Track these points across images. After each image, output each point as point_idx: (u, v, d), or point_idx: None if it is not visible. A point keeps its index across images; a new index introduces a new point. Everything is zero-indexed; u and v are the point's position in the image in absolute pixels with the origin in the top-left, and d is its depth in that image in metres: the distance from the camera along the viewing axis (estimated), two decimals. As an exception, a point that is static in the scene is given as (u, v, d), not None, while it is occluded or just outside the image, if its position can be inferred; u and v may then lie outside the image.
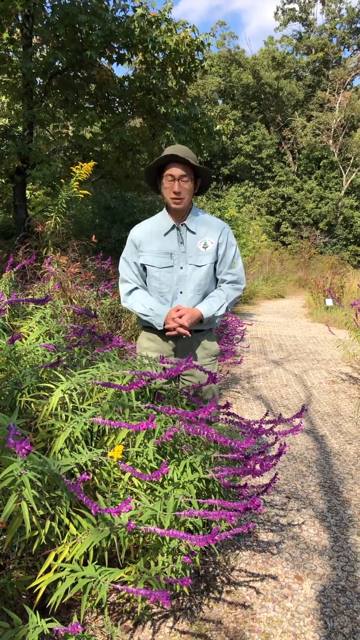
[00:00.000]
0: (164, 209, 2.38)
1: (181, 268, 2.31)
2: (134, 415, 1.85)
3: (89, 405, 1.89)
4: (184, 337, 2.29)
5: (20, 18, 7.82)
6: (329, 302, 11.06)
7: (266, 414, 2.41)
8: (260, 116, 28.93)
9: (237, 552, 2.50)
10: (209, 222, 2.36)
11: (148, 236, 2.34)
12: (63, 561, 1.62)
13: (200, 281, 2.32)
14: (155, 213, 2.42)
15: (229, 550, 2.50)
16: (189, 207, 2.33)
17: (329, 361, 6.86)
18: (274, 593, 2.21)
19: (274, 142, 28.12)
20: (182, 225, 2.31)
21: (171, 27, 7.52)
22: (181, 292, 2.33)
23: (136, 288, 2.38)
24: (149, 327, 2.41)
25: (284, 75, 28.40)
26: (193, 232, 2.32)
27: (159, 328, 2.27)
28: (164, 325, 2.25)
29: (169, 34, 7.44)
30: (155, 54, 7.74)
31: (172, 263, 2.31)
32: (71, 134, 9.23)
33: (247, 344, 7.82)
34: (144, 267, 2.36)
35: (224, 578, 2.30)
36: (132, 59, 8.18)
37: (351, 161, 26.35)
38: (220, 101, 29.70)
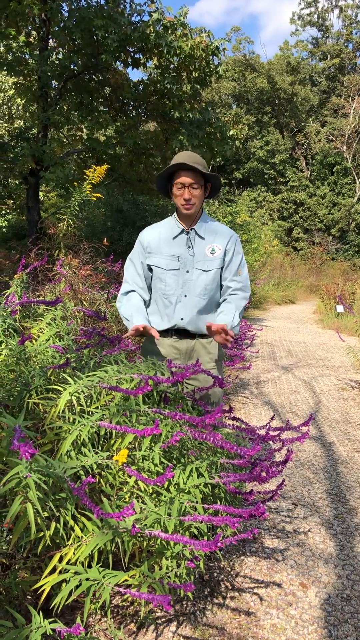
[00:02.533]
0: (175, 213, 2.40)
1: (187, 272, 2.33)
2: (141, 419, 1.86)
3: (96, 408, 1.89)
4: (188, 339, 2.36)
5: (37, 21, 7.89)
6: (340, 308, 11.02)
7: (272, 418, 2.41)
8: (274, 121, 28.91)
9: (242, 558, 2.49)
10: (218, 229, 2.39)
11: (157, 238, 2.36)
12: (68, 563, 1.63)
13: (207, 286, 2.34)
14: (167, 217, 2.44)
15: (234, 556, 2.50)
16: (199, 213, 2.36)
17: (338, 368, 6.83)
18: (278, 600, 2.21)
19: (287, 148, 28.08)
20: (191, 230, 2.34)
21: (186, 32, 7.54)
22: (185, 296, 2.34)
23: (133, 291, 2.39)
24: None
25: (298, 81, 28.37)
26: (202, 238, 2.34)
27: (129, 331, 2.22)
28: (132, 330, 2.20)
29: (184, 38, 7.47)
30: (170, 59, 7.76)
31: (179, 266, 2.33)
32: (85, 137, 9.29)
33: (256, 349, 7.81)
34: (150, 268, 2.38)
35: (228, 584, 2.29)
36: (147, 64, 8.22)
37: (365, 167, 26.27)
38: (234, 105, 29.73)
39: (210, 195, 2.41)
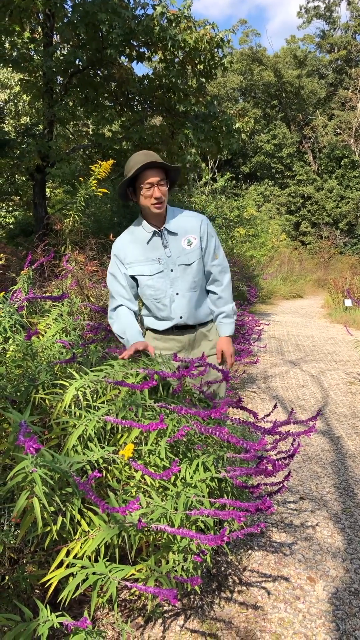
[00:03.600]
0: (139, 217, 2.37)
1: (172, 271, 2.31)
2: (147, 414, 1.86)
3: (102, 403, 1.90)
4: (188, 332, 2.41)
5: (41, 17, 7.87)
6: (348, 302, 10.97)
7: (274, 406, 2.40)
8: (281, 114, 28.76)
9: (249, 552, 2.49)
10: (187, 219, 2.37)
11: (130, 247, 2.33)
12: (74, 557, 1.63)
13: (194, 278, 2.35)
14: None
15: (242, 550, 2.50)
16: (165, 211, 2.33)
17: (346, 362, 6.80)
18: (286, 594, 2.21)
19: (294, 141, 27.93)
20: (163, 229, 2.31)
21: (191, 25, 7.50)
22: (177, 294, 2.33)
23: (121, 305, 2.35)
24: (153, 329, 2.44)
25: (305, 74, 28.18)
26: (175, 234, 2.32)
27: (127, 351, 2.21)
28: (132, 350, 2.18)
29: (188, 31, 7.43)
30: (175, 52, 7.72)
31: (161, 268, 2.30)
32: (91, 132, 9.28)
33: (264, 344, 7.79)
34: (134, 278, 2.35)
35: (235, 578, 2.29)
36: (152, 57, 8.19)
37: (373, 160, 26.08)
38: (240, 99, 29.59)
39: (170, 188, 2.34)
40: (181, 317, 2.34)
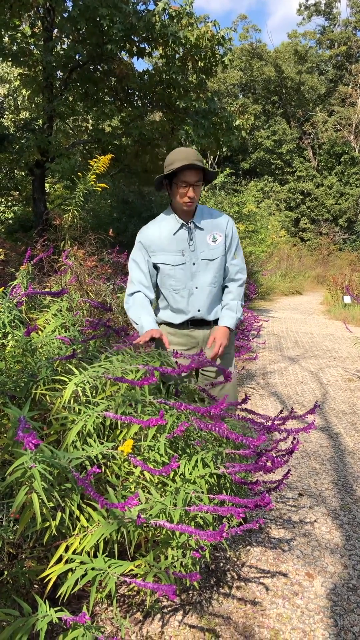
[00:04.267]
0: (169, 209, 2.42)
1: (194, 264, 2.37)
2: (146, 410, 1.86)
3: (102, 398, 1.90)
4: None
5: (41, 11, 7.84)
6: (347, 299, 10.97)
7: (281, 411, 2.40)
8: (281, 111, 28.69)
9: (248, 548, 2.50)
10: (214, 216, 2.44)
11: (157, 236, 2.37)
12: (73, 552, 1.63)
13: (215, 274, 2.41)
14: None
15: (240, 546, 2.50)
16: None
17: (345, 359, 6.81)
18: (284, 590, 2.21)
19: (294, 137, 27.87)
20: (190, 223, 2.36)
21: (192, 22, 7.47)
22: (197, 287, 2.38)
23: (138, 292, 2.39)
24: (168, 323, 2.46)
25: (306, 70, 28.10)
26: (201, 229, 2.38)
27: (140, 337, 2.24)
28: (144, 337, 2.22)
29: (189, 28, 7.40)
30: (176, 48, 7.70)
31: (184, 260, 2.36)
32: (91, 128, 9.25)
33: (263, 340, 7.79)
34: (156, 267, 2.40)
35: (234, 573, 2.30)
36: (152, 53, 8.16)
37: (372, 157, 26.04)
38: (240, 95, 29.50)
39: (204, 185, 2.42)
40: (199, 311, 2.40)
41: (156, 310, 2.54)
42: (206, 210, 2.43)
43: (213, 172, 2.33)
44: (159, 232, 2.38)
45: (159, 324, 2.52)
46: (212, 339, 2.38)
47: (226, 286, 2.52)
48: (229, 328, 2.42)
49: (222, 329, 2.42)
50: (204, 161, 2.26)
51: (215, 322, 2.47)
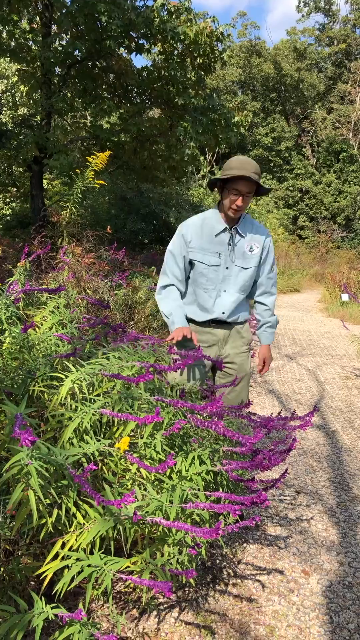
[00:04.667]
0: (216, 209, 2.45)
1: (227, 268, 2.42)
2: (143, 407, 1.86)
3: (98, 395, 1.90)
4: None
5: (39, 7, 7.81)
6: (345, 297, 10.97)
7: (279, 413, 2.41)
8: (280, 108, 28.63)
9: (244, 545, 2.50)
10: (257, 227, 2.49)
11: (199, 234, 2.41)
12: (70, 549, 1.64)
13: (245, 282, 2.47)
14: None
15: (237, 543, 2.51)
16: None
17: (343, 357, 6.82)
18: (280, 587, 2.22)
19: (293, 135, 27.83)
20: (233, 228, 2.41)
21: (191, 18, 7.46)
22: (225, 291, 2.45)
23: (172, 285, 2.44)
24: (191, 319, 2.51)
25: (305, 67, 28.04)
26: (242, 236, 2.42)
27: (172, 333, 2.32)
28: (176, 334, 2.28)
29: (188, 24, 7.39)
30: (175, 45, 7.68)
31: (219, 262, 2.41)
32: (89, 124, 9.23)
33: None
34: (191, 263, 2.44)
35: (230, 571, 2.30)
36: (151, 50, 8.14)
37: (371, 155, 26.02)
38: (239, 92, 29.45)
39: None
40: (223, 313, 2.45)
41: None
42: (249, 220, 2.48)
43: (267, 188, 2.38)
44: (202, 229, 2.41)
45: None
46: (261, 361, 2.67)
47: (263, 303, 2.63)
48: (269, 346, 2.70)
49: (267, 348, 2.69)
50: (259, 175, 2.27)
51: (235, 323, 2.53)
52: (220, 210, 2.42)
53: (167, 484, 1.79)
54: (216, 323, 2.49)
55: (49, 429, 1.90)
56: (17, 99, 12.50)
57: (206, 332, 2.50)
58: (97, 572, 1.53)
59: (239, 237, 2.42)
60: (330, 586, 2.23)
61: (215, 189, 2.44)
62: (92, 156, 5.11)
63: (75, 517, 1.70)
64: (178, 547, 1.75)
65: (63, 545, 1.66)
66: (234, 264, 2.42)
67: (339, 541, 2.57)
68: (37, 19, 8.02)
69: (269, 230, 2.57)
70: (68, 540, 1.65)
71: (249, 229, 2.45)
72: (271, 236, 2.55)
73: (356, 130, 26.83)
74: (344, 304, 11.08)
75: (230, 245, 2.40)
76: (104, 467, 1.89)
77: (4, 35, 7.81)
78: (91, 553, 1.64)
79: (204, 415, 1.91)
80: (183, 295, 2.51)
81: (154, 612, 2.00)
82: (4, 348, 2.39)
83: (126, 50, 8.22)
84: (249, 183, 2.26)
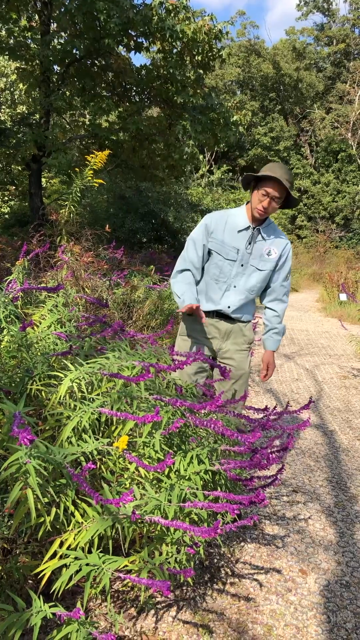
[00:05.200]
0: (244, 206, 2.50)
1: (242, 265, 2.47)
2: (142, 406, 1.86)
3: (97, 394, 1.89)
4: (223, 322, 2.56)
5: (38, 5, 7.79)
6: (343, 297, 10.98)
7: (275, 407, 2.41)
8: (279, 107, 28.63)
9: (242, 544, 2.50)
10: (278, 233, 2.53)
11: (222, 226, 2.47)
12: (68, 548, 1.63)
13: (257, 283, 2.52)
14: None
15: (234, 543, 2.51)
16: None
17: (341, 356, 6.82)
18: (277, 586, 2.22)
19: (291, 134, 27.84)
20: (256, 228, 2.45)
21: (189, 15, 7.45)
22: (235, 287, 2.49)
23: (188, 270, 2.50)
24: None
25: (304, 67, 28.04)
26: (263, 238, 2.47)
27: (180, 309, 2.37)
28: (185, 307, 2.33)
29: (187, 22, 7.38)
30: (173, 43, 7.67)
31: (236, 258, 2.46)
32: (88, 123, 9.22)
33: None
34: (210, 252, 2.50)
35: (228, 570, 2.31)
36: (150, 48, 8.13)
37: (370, 154, 26.04)
38: (238, 92, 29.42)
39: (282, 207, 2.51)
40: (229, 307, 2.49)
41: None
42: (273, 227, 2.52)
43: (295, 199, 2.46)
44: (226, 223, 2.47)
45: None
46: (265, 366, 2.68)
47: (273, 309, 2.66)
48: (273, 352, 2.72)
49: (271, 355, 2.70)
50: (291, 184, 2.35)
51: (239, 320, 2.56)
52: (247, 209, 2.47)
53: (165, 483, 1.79)
54: (220, 316, 2.53)
55: (47, 428, 1.90)
56: (16, 97, 12.47)
57: (210, 324, 2.53)
58: (96, 571, 1.53)
59: (260, 238, 2.47)
60: (328, 585, 2.24)
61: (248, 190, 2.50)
62: (90, 155, 5.11)
63: (74, 516, 1.70)
64: (176, 546, 1.75)
65: (61, 544, 1.66)
66: (250, 264, 2.47)
67: (336, 541, 2.57)
68: (36, 17, 8.00)
69: (288, 239, 2.60)
70: (66, 539, 1.65)
71: (272, 233, 2.50)
72: (290, 244, 2.59)
73: (355, 130, 26.83)
74: (342, 303, 11.10)
75: (250, 244, 2.45)
76: (102, 466, 1.89)
77: (3, 33, 7.79)
78: (89, 552, 1.64)
79: (203, 413, 1.92)
80: (197, 284, 2.55)
81: (152, 611, 2.00)
82: (2, 347, 2.38)
83: (125, 49, 8.21)
84: (278, 187, 2.32)
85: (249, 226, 2.45)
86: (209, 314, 2.53)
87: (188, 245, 2.53)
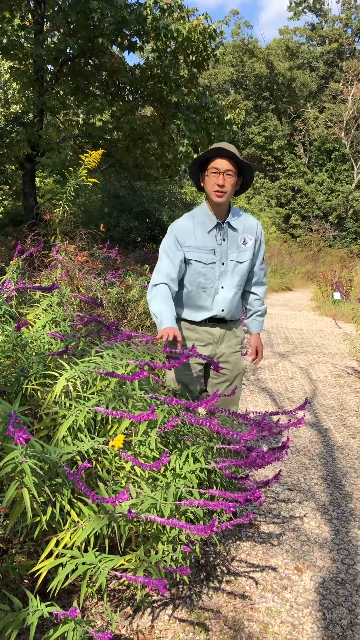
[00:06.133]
0: (204, 204, 2.40)
1: (223, 264, 2.38)
2: (137, 405, 1.86)
3: (93, 393, 1.89)
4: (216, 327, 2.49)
5: (31, 3, 7.77)
6: (337, 295, 11.01)
7: (274, 413, 2.42)
8: (272, 107, 28.67)
9: (238, 542, 2.51)
10: (247, 219, 2.43)
11: (192, 232, 2.35)
12: (64, 547, 1.63)
13: (242, 276, 2.45)
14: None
15: (230, 541, 2.52)
16: (229, 205, 2.38)
17: (335, 355, 6.85)
18: (273, 584, 2.23)
19: (285, 134, 27.89)
20: (225, 223, 2.35)
21: (183, 15, 7.45)
22: (222, 287, 2.41)
23: (163, 283, 2.30)
24: (188, 320, 2.48)
25: (297, 66, 28.09)
26: (235, 229, 2.37)
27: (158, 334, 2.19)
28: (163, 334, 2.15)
29: (181, 21, 7.39)
30: (167, 42, 7.67)
31: (215, 259, 2.36)
32: (81, 122, 9.20)
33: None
34: (188, 262, 2.37)
35: (224, 568, 2.31)
36: (144, 47, 8.13)
37: (363, 154, 26.14)
38: (232, 91, 29.44)
39: (239, 191, 2.40)
40: (223, 310, 2.42)
41: (175, 304, 2.50)
42: (238, 212, 2.43)
43: (247, 165, 2.29)
44: (193, 228, 2.35)
45: (178, 319, 2.50)
46: (254, 349, 2.66)
47: (253, 292, 2.60)
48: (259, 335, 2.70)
49: (258, 337, 2.69)
50: (236, 155, 2.23)
51: (232, 322, 2.51)
52: (208, 205, 2.36)
53: (161, 481, 1.79)
54: (213, 321, 2.45)
55: (42, 427, 1.90)
56: (9, 96, 12.43)
57: (203, 331, 2.46)
58: (92, 570, 1.53)
59: (231, 231, 2.37)
60: (323, 583, 2.25)
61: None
62: (84, 154, 5.10)
63: (70, 515, 1.70)
64: (172, 544, 1.76)
65: (57, 543, 1.66)
66: (229, 259, 2.38)
67: (331, 538, 2.58)
68: (30, 16, 7.98)
69: (257, 219, 2.50)
70: (62, 538, 1.65)
71: (240, 221, 2.40)
72: (261, 225, 2.49)
73: (348, 130, 26.92)
74: (336, 302, 11.13)
75: (224, 240, 2.35)
76: (98, 465, 1.89)
77: (-4, 32, 7.76)
78: (85, 551, 1.64)
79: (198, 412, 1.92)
80: (177, 296, 2.43)
81: (148, 610, 2.01)
82: (-3, 346, 2.38)
83: (119, 48, 8.21)
84: (225, 159, 2.21)
85: (217, 222, 2.33)
86: (202, 322, 2.45)
87: (162, 256, 2.36)
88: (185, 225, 2.36)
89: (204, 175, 2.31)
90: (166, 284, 2.31)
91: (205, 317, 2.43)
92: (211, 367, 2.54)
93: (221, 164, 2.22)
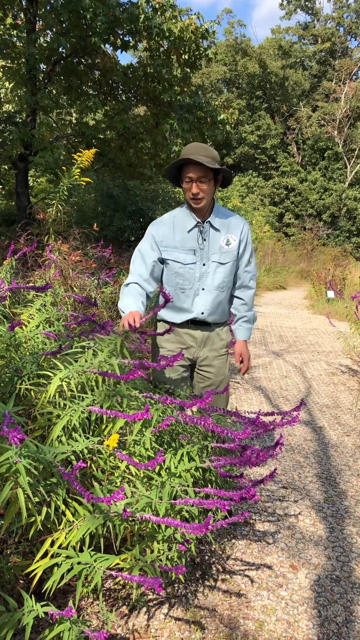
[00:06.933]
0: (185, 205, 2.34)
1: (203, 265, 2.31)
2: (132, 404, 1.86)
3: (87, 393, 1.89)
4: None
5: (24, 3, 7.75)
6: (331, 294, 11.04)
7: (270, 413, 2.42)
8: (265, 106, 28.69)
9: (233, 541, 2.51)
10: (231, 219, 2.36)
11: (171, 232, 2.29)
12: (59, 547, 1.63)
13: (224, 278, 2.35)
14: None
15: (225, 539, 2.52)
16: (210, 204, 2.31)
17: (329, 353, 6.86)
18: (268, 582, 2.23)
19: (278, 132, 27.92)
20: (206, 222, 2.29)
21: (176, 14, 7.45)
22: (203, 289, 2.33)
23: (135, 283, 2.27)
24: (169, 321, 2.41)
25: (290, 65, 28.13)
26: (217, 230, 2.30)
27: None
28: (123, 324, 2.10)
29: (173, 21, 7.38)
30: (160, 41, 7.66)
31: (195, 260, 2.29)
32: (74, 121, 9.18)
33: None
34: (164, 261, 2.32)
35: (219, 566, 2.31)
36: (136, 46, 8.12)
37: (356, 152, 26.19)
38: (225, 90, 29.45)
39: (222, 185, 2.34)
40: (202, 313, 2.35)
41: (156, 306, 2.49)
42: (222, 211, 2.36)
43: (222, 169, 2.22)
44: (173, 227, 2.30)
45: (158, 320, 2.48)
46: (238, 357, 2.53)
47: (239, 297, 2.50)
48: (246, 342, 2.57)
49: (243, 344, 2.55)
50: (211, 159, 2.14)
51: (216, 324, 2.43)
52: (189, 206, 2.31)
53: (156, 480, 1.79)
54: (195, 324, 2.39)
55: (37, 427, 1.89)
56: (1, 95, 12.39)
57: (184, 334, 2.40)
58: (87, 570, 1.53)
59: (213, 231, 2.29)
60: (319, 580, 2.25)
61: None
62: (77, 153, 5.09)
63: (65, 515, 1.70)
64: (167, 543, 1.76)
65: (52, 543, 1.66)
66: (211, 260, 2.30)
67: (326, 536, 2.59)
68: (22, 15, 7.94)
69: (245, 219, 2.44)
70: (57, 538, 1.65)
71: (223, 221, 2.32)
72: (248, 224, 2.40)
73: (341, 128, 26.99)
74: (330, 300, 11.16)
75: (204, 240, 2.28)
76: (93, 465, 1.89)
77: (-12, 31, 7.72)
78: (81, 550, 1.64)
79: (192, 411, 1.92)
80: (156, 297, 2.39)
81: (144, 609, 2.01)
82: (-10, 346, 2.37)
83: (111, 47, 8.19)
84: (198, 167, 2.13)
85: (198, 222, 2.27)
86: (183, 324, 2.38)
87: (135, 257, 2.32)
88: (164, 225, 2.32)
89: (182, 178, 2.25)
90: (137, 283, 2.27)
91: (185, 319, 2.37)
92: (195, 369, 2.50)
93: (193, 171, 2.15)
